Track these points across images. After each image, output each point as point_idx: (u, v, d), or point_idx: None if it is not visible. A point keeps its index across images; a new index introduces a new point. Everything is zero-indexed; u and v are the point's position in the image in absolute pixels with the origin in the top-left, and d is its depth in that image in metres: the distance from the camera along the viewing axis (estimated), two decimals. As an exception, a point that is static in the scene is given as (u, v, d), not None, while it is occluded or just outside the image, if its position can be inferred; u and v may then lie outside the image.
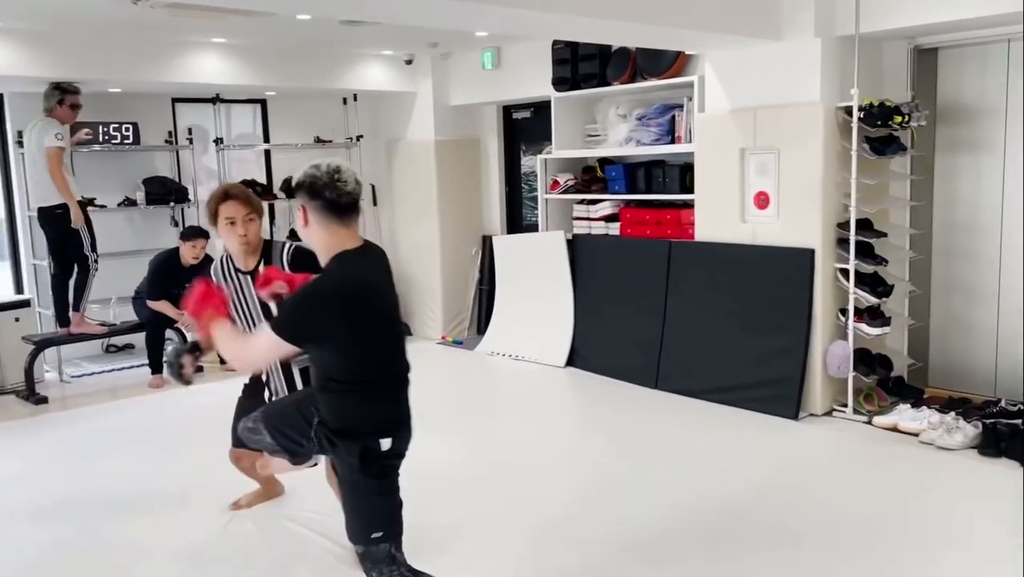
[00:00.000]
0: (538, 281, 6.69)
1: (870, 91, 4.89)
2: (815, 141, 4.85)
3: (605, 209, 6.28)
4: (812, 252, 4.92)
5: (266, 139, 7.91)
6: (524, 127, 7.69)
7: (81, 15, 5.30)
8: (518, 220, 7.85)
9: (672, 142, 5.75)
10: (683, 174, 5.72)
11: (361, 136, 7.87)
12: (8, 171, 6.71)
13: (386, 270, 2.57)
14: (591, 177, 6.48)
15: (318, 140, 7.81)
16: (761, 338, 5.13)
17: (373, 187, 8.18)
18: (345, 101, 7.97)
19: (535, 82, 6.72)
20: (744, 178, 5.25)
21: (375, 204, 8.22)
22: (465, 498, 4.01)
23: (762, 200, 5.17)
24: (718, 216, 5.41)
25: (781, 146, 5.02)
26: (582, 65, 6.18)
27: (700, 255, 5.50)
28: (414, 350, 7.40)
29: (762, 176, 5.16)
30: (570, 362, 6.34)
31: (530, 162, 7.69)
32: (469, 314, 7.87)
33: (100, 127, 6.67)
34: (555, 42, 6.32)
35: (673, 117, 5.73)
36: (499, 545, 3.48)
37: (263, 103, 7.88)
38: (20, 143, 6.50)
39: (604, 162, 6.39)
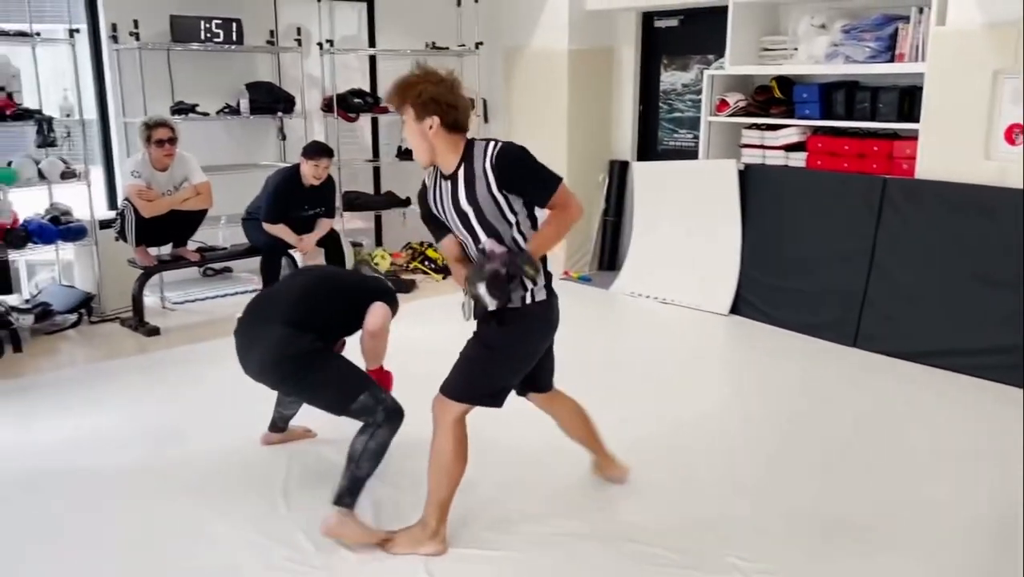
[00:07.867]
0: (692, 215, 5.91)
1: None
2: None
3: (789, 137, 5.46)
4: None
5: (371, 44, 7.08)
6: (667, 38, 6.79)
7: None
8: (652, 144, 7.03)
9: (891, 60, 4.89)
10: (902, 99, 4.88)
11: (481, 43, 6.98)
12: (102, 76, 5.91)
13: None
14: (767, 98, 5.64)
15: (433, 46, 6.93)
16: (1001, 297, 4.39)
17: (485, 102, 7.35)
18: (459, 3, 7.07)
19: (699, -16, 5.84)
20: (995, 107, 4.43)
21: (486, 121, 7.40)
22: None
23: (1016, 134, 4.36)
24: (953, 151, 4.60)
25: (1049, 69, 4.19)
26: (773, -35, 5.29)
27: (925, 196, 4.72)
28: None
29: (1018, 105, 4.33)
30: (735, 310, 5.63)
31: (672, 78, 6.83)
32: (592, 247, 7.15)
33: (202, 22, 5.86)
34: (740, -64, 5.40)
35: (896, 31, 4.85)
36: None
37: (370, 3, 7.01)
38: (115, 38, 5.72)
39: (783, 82, 5.54)
